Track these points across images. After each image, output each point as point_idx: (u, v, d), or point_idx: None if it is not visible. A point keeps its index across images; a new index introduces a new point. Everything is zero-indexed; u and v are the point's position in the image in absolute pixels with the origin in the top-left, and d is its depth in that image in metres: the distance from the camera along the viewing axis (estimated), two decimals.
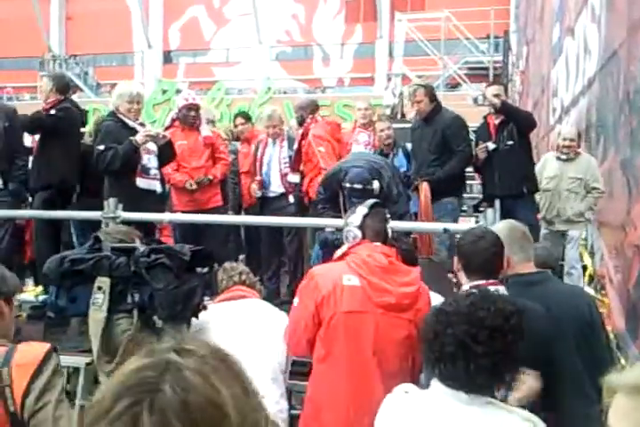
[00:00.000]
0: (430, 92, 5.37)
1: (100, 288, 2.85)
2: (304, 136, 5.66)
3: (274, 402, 2.87)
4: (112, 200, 4.25)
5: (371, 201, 2.95)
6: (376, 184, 4.54)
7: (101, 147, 4.70)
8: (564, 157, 5.67)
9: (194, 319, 3.09)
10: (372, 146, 6.16)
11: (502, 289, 2.52)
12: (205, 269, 3.01)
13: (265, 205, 5.81)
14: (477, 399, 1.75)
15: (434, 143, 5.24)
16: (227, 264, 3.38)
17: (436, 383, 1.83)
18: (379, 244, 2.76)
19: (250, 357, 2.86)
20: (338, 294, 2.65)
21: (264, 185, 5.79)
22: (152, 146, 4.87)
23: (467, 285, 2.65)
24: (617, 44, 5.32)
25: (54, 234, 5.06)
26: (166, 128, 5.60)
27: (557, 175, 5.72)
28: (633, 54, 4.82)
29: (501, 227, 2.97)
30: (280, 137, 5.86)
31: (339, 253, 2.84)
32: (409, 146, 5.72)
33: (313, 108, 5.85)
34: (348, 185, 4.48)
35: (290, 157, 5.75)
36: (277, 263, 5.76)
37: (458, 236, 6.38)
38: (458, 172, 5.33)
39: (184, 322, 2.94)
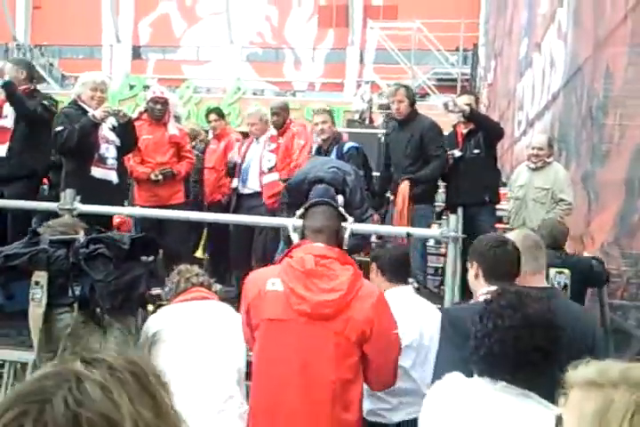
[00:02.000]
0: (411, 95, 5.36)
1: (37, 283, 2.75)
2: (281, 136, 5.68)
3: (239, 403, 2.85)
4: (69, 191, 4.09)
5: (312, 201, 2.81)
6: (340, 199, 4.50)
7: (59, 128, 4.53)
8: (532, 165, 5.62)
9: (153, 321, 3.04)
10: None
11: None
12: (150, 258, 2.91)
13: (239, 202, 5.76)
14: (516, 391, 1.83)
15: (410, 147, 5.22)
16: (182, 266, 3.31)
17: (478, 379, 1.88)
18: (321, 244, 2.52)
19: (215, 358, 2.85)
20: (260, 301, 2.50)
21: (241, 181, 5.74)
22: (111, 135, 4.77)
23: (485, 289, 2.58)
24: (581, 61, 5.46)
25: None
26: (134, 120, 5.52)
27: (526, 184, 5.71)
28: (597, 71, 4.95)
29: (514, 235, 2.91)
30: (263, 135, 5.84)
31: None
32: (347, 146, 5.34)
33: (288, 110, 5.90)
34: None
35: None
36: (249, 263, 5.70)
37: (431, 242, 6.48)
38: (436, 176, 5.35)
39: (129, 314, 2.87)
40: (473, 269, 2.73)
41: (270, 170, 5.60)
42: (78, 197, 4.04)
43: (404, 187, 5.07)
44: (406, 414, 2.89)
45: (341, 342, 2.42)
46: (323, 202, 2.78)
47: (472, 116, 5.20)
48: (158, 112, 5.43)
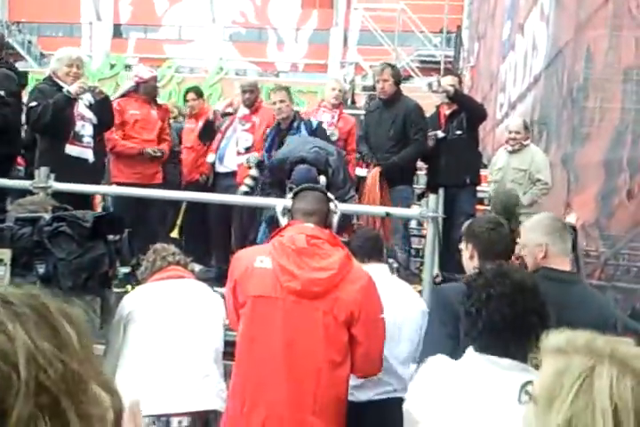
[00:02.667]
0: (397, 75, 5.32)
1: (0, 260, 2.72)
2: (254, 114, 5.63)
3: (216, 382, 2.86)
4: (43, 169, 4.00)
5: (302, 186, 2.82)
6: (322, 180, 4.48)
7: (32, 104, 4.41)
8: (509, 148, 5.73)
9: (128, 299, 3.02)
10: (335, 126, 6.08)
11: None
12: (116, 237, 2.89)
13: (216, 181, 5.70)
14: (516, 365, 1.85)
15: (394, 129, 5.20)
16: (158, 245, 3.29)
17: (473, 353, 1.90)
18: (311, 225, 2.54)
19: (191, 337, 2.85)
20: (248, 278, 2.50)
21: (218, 159, 5.68)
22: (87, 113, 4.70)
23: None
24: (563, 43, 5.47)
25: None
26: (120, 96, 5.45)
27: (504, 167, 5.80)
28: (578, 53, 4.97)
29: (543, 216, 2.93)
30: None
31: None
32: (315, 121, 5.22)
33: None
34: (294, 186, 4.41)
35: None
36: (228, 243, 5.66)
37: (413, 223, 6.51)
38: (413, 159, 5.37)
39: (92, 293, 2.83)
40: (468, 251, 2.76)
41: (247, 150, 5.54)
42: (53, 175, 3.98)
43: (375, 173, 5.09)
44: (376, 394, 2.88)
45: (329, 322, 2.41)
46: (312, 188, 2.79)
47: (456, 97, 5.20)
48: (154, 90, 5.43)
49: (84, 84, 4.59)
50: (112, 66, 17.63)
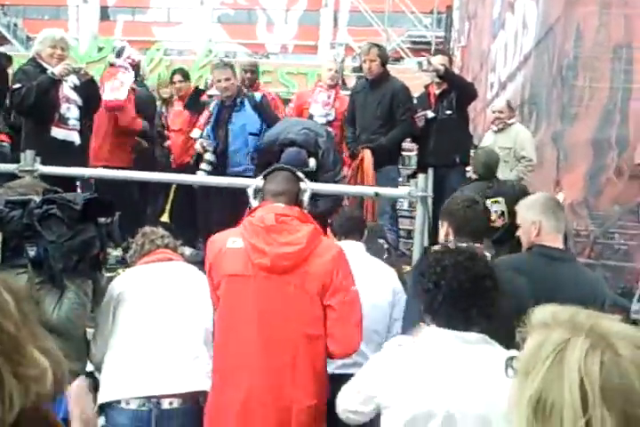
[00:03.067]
0: (383, 55, 5.30)
1: None
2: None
3: (205, 363, 2.87)
4: (29, 152, 3.97)
5: (272, 167, 2.87)
6: (312, 162, 4.46)
7: (16, 86, 4.34)
8: (495, 128, 5.85)
9: (118, 282, 3.02)
10: (332, 106, 6.05)
11: (488, 254, 2.65)
12: (107, 220, 2.89)
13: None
14: (481, 339, 1.93)
15: (381, 110, 5.19)
16: (147, 228, 3.29)
17: (437, 329, 1.95)
18: (281, 204, 2.59)
19: (181, 319, 2.85)
20: (221, 259, 2.57)
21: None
22: (73, 95, 4.65)
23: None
24: (553, 20, 5.44)
25: None
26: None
27: (490, 146, 5.87)
28: (567, 30, 4.94)
29: (538, 195, 3.01)
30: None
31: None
32: (258, 96, 5.13)
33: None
34: None
35: None
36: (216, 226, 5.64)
37: (400, 202, 6.53)
38: (400, 140, 5.38)
39: (83, 275, 2.84)
40: (444, 229, 2.81)
41: None
42: (39, 159, 3.95)
43: (367, 158, 5.08)
44: (336, 367, 2.90)
45: (302, 296, 2.46)
46: (282, 168, 2.83)
47: (446, 76, 5.18)
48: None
49: (69, 65, 4.52)
50: (100, 49, 17.44)
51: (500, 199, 4.22)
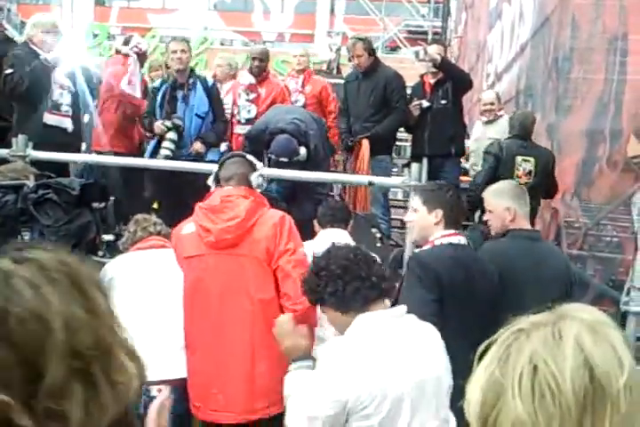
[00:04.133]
0: (369, 46, 5.35)
1: None
2: (260, 85, 5.58)
3: None
4: (21, 137, 3.96)
5: (227, 155, 3.10)
6: (303, 151, 4.47)
7: (8, 71, 4.34)
8: (484, 119, 5.89)
9: (110, 267, 3.03)
10: (300, 92, 6.08)
11: (464, 239, 2.81)
12: (102, 205, 2.91)
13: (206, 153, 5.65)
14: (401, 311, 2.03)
15: (374, 97, 5.22)
16: (139, 216, 3.30)
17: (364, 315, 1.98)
18: (230, 187, 2.78)
19: (172, 306, 2.86)
20: (179, 245, 2.79)
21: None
22: (66, 81, 4.62)
23: (440, 233, 2.77)
24: (549, 11, 5.43)
25: None
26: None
27: (479, 137, 5.94)
28: (563, 21, 4.93)
29: (505, 183, 3.28)
30: (226, 82, 5.73)
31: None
32: (210, 81, 5.14)
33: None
34: (273, 157, 4.39)
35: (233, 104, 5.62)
36: None
37: (394, 192, 6.55)
38: (395, 128, 5.40)
39: (80, 258, 2.85)
40: (436, 217, 2.79)
41: (249, 121, 5.47)
42: (31, 144, 3.93)
43: (365, 147, 5.09)
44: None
45: (252, 264, 2.65)
46: (234, 154, 3.04)
47: (443, 65, 5.19)
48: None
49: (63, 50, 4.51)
50: (95, 35, 17.30)
51: (530, 159, 4.52)
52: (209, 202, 2.76)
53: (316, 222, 3.43)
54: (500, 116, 5.82)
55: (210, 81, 5.12)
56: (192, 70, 5.06)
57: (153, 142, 4.92)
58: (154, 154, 4.85)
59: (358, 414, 1.86)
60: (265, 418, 2.66)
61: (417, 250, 3.07)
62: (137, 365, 0.84)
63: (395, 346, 1.95)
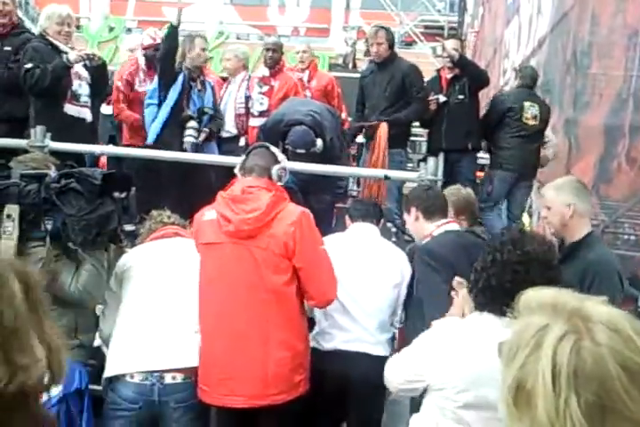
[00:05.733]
0: (391, 37, 5.29)
1: (9, 216, 2.74)
2: (273, 78, 5.58)
3: None
4: (39, 128, 3.97)
5: (252, 145, 3.14)
6: (319, 143, 4.46)
7: (29, 65, 4.34)
8: None
9: (126, 257, 3.05)
10: (307, 88, 6.08)
11: (457, 226, 2.96)
12: (123, 195, 2.93)
13: (218, 145, 5.66)
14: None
15: (390, 89, 5.17)
16: (153, 211, 3.34)
17: (483, 314, 1.98)
18: (251, 178, 2.83)
19: (186, 295, 2.88)
20: (199, 231, 2.84)
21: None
22: (84, 72, 4.64)
23: (433, 225, 3.00)
24: (568, 6, 5.38)
25: None
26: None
27: None
28: (583, 15, 4.88)
29: (568, 178, 3.22)
30: (241, 75, 5.72)
31: None
32: (213, 79, 5.31)
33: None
34: (290, 148, 4.39)
35: (247, 97, 5.62)
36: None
37: (408, 186, 6.53)
38: (414, 118, 5.37)
39: (102, 248, 2.88)
40: (412, 215, 3.08)
41: (262, 114, 5.48)
42: (49, 135, 3.96)
43: (383, 130, 5.04)
44: (341, 341, 3.02)
45: (268, 257, 2.69)
46: (259, 145, 3.05)
47: (460, 62, 5.16)
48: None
49: (83, 52, 4.54)
50: (111, 29, 17.35)
51: (535, 105, 5.21)
52: (231, 191, 2.80)
53: (347, 216, 3.45)
54: None
55: (212, 81, 5.23)
56: (201, 69, 5.15)
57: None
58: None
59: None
60: (274, 405, 2.68)
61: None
62: (49, 349, 0.86)
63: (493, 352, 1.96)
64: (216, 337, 2.73)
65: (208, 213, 2.81)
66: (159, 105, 4.91)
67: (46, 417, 0.91)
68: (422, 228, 3.05)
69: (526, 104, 5.18)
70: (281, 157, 2.94)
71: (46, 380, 0.85)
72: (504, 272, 1.93)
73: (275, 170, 2.84)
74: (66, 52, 4.46)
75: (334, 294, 2.80)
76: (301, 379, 2.76)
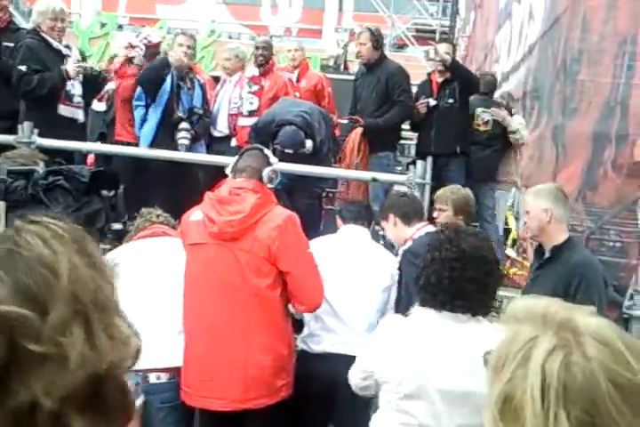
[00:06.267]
0: (375, 38, 5.29)
1: None
2: (264, 77, 5.56)
3: None
4: (27, 124, 3.97)
5: (246, 147, 3.15)
6: (309, 144, 4.47)
7: (23, 67, 4.35)
8: None
9: (113, 255, 3.02)
10: (297, 88, 6.07)
11: (433, 228, 3.04)
12: (111, 193, 2.92)
13: (209, 145, 5.64)
14: (463, 317, 2.01)
15: (376, 91, 5.19)
16: (143, 209, 3.33)
17: (417, 308, 2.06)
18: (241, 179, 2.83)
19: (171, 295, 2.86)
20: (186, 231, 2.86)
21: (211, 124, 5.61)
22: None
23: (413, 229, 3.14)
24: (560, 11, 5.40)
25: None
26: (118, 69, 5.35)
27: None
28: (574, 22, 4.90)
29: (548, 184, 3.33)
30: (234, 75, 5.70)
31: None
32: (203, 78, 5.34)
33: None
34: (279, 148, 4.38)
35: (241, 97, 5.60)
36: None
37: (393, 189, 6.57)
38: (397, 122, 5.37)
39: None
40: (390, 222, 3.20)
41: (251, 113, 5.46)
42: (36, 131, 3.94)
43: (356, 135, 5.07)
44: (330, 344, 3.05)
45: (252, 259, 2.69)
46: (252, 147, 3.07)
47: (452, 67, 5.17)
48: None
49: (81, 66, 4.60)
50: (102, 25, 17.23)
51: (488, 111, 5.49)
52: (218, 192, 2.80)
53: (338, 217, 3.46)
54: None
55: (201, 79, 5.22)
56: (190, 67, 5.14)
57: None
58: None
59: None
60: (255, 408, 2.67)
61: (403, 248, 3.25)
62: (132, 329, 0.88)
63: (436, 344, 2.00)
64: (198, 338, 2.73)
65: (195, 214, 2.81)
66: (146, 107, 4.90)
67: (131, 390, 0.90)
68: (402, 232, 3.16)
69: (478, 110, 5.45)
70: (273, 159, 2.94)
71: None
72: (442, 269, 2.00)
73: (266, 172, 2.84)
74: (59, 50, 4.44)
75: (322, 298, 2.80)
76: (283, 384, 2.75)
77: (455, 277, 1.98)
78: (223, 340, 2.69)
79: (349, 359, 2.94)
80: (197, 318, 2.76)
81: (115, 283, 0.88)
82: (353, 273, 3.10)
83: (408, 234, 3.10)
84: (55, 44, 4.49)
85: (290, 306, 2.85)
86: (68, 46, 4.68)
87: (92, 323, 0.78)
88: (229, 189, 2.79)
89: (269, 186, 2.86)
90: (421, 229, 3.13)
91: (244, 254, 2.69)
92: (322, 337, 3.02)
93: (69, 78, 4.44)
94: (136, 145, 5.07)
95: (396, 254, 3.28)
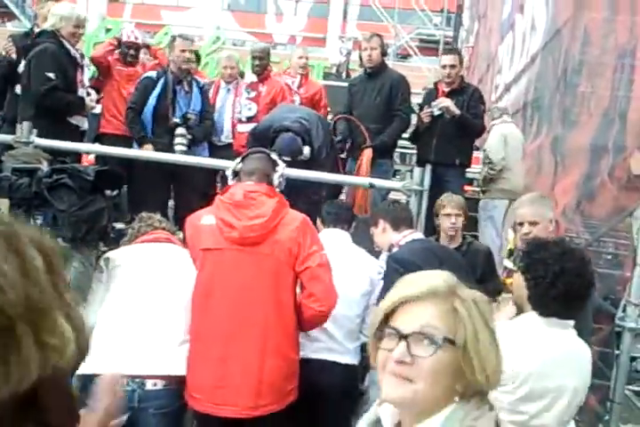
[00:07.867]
0: (384, 45, 5.35)
1: None
2: (261, 83, 5.58)
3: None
4: (26, 124, 3.99)
5: (250, 150, 3.12)
6: (306, 151, 4.46)
7: (52, 75, 4.42)
8: None
9: (112, 254, 3.02)
10: (297, 93, 6.10)
11: (421, 235, 3.19)
12: (115, 192, 2.91)
13: (211, 153, 5.64)
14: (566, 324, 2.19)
15: (380, 98, 5.18)
16: (143, 214, 3.31)
17: (538, 318, 2.19)
18: (251, 182, 2.80)
19: (172, 302, 2.85)
20: (196, 235, 2.77)
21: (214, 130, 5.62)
22: (86, 79, 4.73)
23: (400, 235, 3.19)
24: (561, 22, 5.42)
25: None
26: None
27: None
28: (575, 33, 4.92)
29: (543, 195, 3.46)
30: (235, 82, 5.72)
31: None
32: (200, 80, 5.33)
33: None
34: (276, 154, 4.39)
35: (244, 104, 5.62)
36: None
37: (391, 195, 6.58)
38: (400, 134, 5.41)
39: (91, 245, 2.86)
40: (379, 227, 3.27)
41: (250, 119, 5.48)
42: (35, 131, 3.96)
43: (367, 157, 5.10)
44: (311, 351, 3.03)
45: (273, 264, 2.66)
46: (257, 151, 3.05)
47: (460, 120, 5.17)
48: (130, 58, 5.37)
49: (93, 103, 4.81)
50: (107, 30, 17.31)
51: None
52: (231, 196, 2.74)
53: (319, 221, 3.46)
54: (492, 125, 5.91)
55: (201, 81, 5.24)
56: (188, 71, 5.15)
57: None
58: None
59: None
60: (265, 415, 2.65)
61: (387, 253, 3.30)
62: (77, 332, 0.81)
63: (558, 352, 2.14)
64: (211, 344, 2.67)
65: (205, 218, 2.75)
66: (133, 109, 4.97)
67: (76, 396, 0.88)
68: (389, 238, 3.20)
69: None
70: (280, 163, 2.95)
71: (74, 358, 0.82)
72: (574, 278, 2.16)
73: (276, 176, 2.85)
74: (75, 57, 4.52)
75: (337, 297, 2.76)
76: (292, 387, 2.75)
77: (585, 284, 2.19)
78: (240, 346, 2.65)
79: (330, 365, 3.01)
80: (211, 323, 2.70)
81: (59, 284, 0.81)
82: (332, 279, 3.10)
83: (395, 240, 3.14)
84: (72, 50, 4.57)
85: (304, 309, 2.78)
86: (82, 55, 4.76)
87: (18, 335, 0.73)
88: (244, 193, 2.73)
89: (277, 190, 2.87)
90: (408, 235, 3.17)
91: (265, 259, 2.67)
92: (303, 344, 2.99)
93: (88, 110, 4.69)
94: (121, 136, 5.10)
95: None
